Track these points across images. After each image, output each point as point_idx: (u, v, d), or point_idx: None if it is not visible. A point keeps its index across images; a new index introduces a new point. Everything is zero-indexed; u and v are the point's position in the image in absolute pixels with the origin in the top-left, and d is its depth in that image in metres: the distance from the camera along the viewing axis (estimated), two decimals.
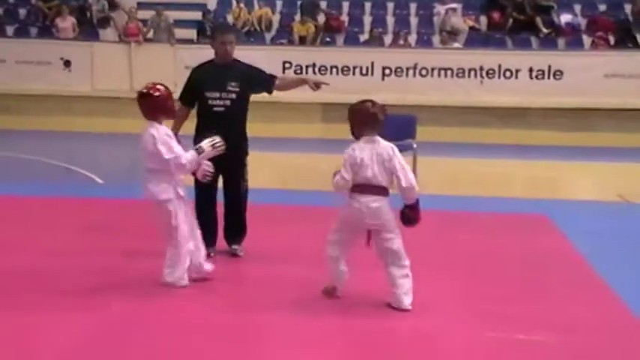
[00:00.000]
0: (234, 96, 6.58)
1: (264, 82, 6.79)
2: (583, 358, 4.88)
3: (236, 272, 6.55)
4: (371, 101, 5.56)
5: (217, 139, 5.82)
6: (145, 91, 5.86)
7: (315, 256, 5.87)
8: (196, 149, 5.81)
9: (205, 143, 5.81)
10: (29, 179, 10.90)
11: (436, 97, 16.11)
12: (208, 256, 6.22)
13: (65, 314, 5.27)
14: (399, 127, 10.79)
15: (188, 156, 5.78)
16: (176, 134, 6.23)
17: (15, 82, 16.91)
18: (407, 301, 5.49)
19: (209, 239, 6.37)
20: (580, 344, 5.04)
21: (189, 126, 6.70)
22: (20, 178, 11.05)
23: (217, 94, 6.53)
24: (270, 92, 6.86)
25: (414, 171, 10.14)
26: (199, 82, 6.65)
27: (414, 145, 10.27)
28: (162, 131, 5.79)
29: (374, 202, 5.46)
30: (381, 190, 5.48)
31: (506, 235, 7.89)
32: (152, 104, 5.80)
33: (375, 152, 5.45)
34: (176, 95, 6.35)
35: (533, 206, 9.33)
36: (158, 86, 5.85)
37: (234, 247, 6.83)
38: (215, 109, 6.53)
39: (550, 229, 8.14)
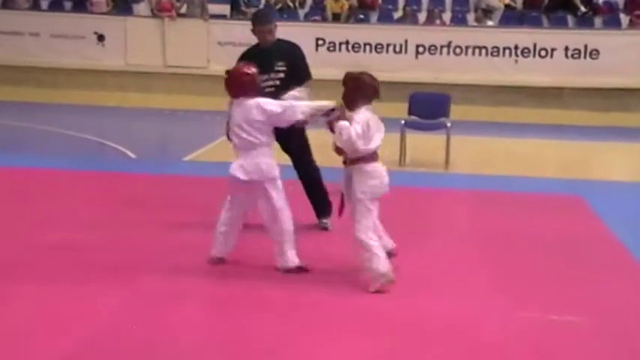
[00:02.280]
0: (282, 75, 6.65)
1: (300, 72, 6.77)
2: (617, 340, 4.81)
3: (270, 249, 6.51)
4: (368, 74, 5.56)
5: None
6: (235, 70, 5.78)
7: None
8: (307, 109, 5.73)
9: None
10: (63, 153, 10.98)
11: (470, 75, 15.98)
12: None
13: (100, 288, 5.29)
14: (432, 105, 10.74)
15: (302, 106, 5.73)
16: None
17: (49, 56, 17.06)
18: None
19: None
20: (614, 326, 4.98)
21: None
22: (54, 151, 11.13)
23: (266, 76, 6.48)
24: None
25: (447, 149, 10.11)
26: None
27: (448, 124, 10.18)
28: (263, 99, 5.72)
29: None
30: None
31: (539, 215, 7.80)
32: (241, 82, 5.71)
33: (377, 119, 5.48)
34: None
35: (567, 187, 9.22)
36: (248, 65, 5.78)
37: (323, 220, 6.95)
38: (266, 89, 6.50)
39: (584, 210, 8.04)
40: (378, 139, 5.42)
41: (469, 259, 6.21)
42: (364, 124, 5.33)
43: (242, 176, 5.66)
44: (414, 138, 10.44)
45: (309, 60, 6.95)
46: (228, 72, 5.78)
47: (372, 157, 5.44)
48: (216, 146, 11.50)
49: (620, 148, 13.01)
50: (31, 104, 15.64)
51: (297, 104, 5.76)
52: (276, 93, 6.46)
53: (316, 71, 7.14)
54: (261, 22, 6.84)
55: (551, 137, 13.58)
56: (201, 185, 8.60)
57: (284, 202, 5.73)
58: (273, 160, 5.74)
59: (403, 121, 10.16)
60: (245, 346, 4.52)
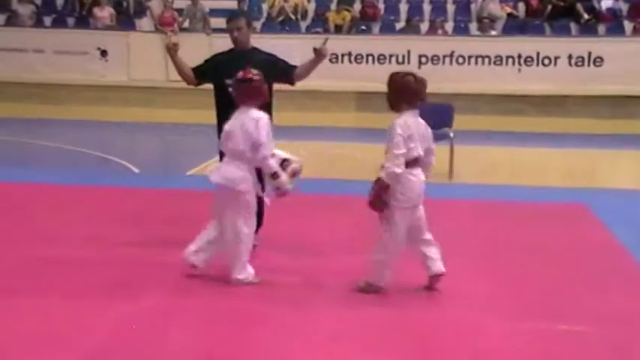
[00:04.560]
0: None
1: (283, 71, 6.68)
2: (625, 348, 4.78)
3: (276, 263, 6.48)
4: (413, 75, 5.54)
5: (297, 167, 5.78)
6: (243, 76, 5.77)
7: (349, 245, 5.81)
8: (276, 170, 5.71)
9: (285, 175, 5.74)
10: (67, 168, 10.98)
11: (473, 85, 15.95)
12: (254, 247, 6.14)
13: (102, 303, 5.27)
14: (435, 115, 10.61)
15: (274, 165, 5.70)
16: None
17: (52, 72, 17.08)
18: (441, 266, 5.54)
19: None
20: (622, 335, 4.94)
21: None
22: (58, 166, 11.14)
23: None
24: (292, 83, 6.75)
25: (451, 160, 10.07)
26: (219, 67, 6.59)
27: (451, 134, 10.16)
28: (266, 119, 5.69)
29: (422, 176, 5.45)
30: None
31: (545, 224, 7.77)
32: (250, 89, 5.72)
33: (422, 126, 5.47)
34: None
35: (572, 195, 9.19)
36: (253, 71, 5.77)
37: None
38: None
39: (589, 218, 8.01)
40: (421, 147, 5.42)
41: (473, 269, 6.18)
42: (404, 134, 5.29)
43: (213, 178, 5.74)
44: None
45: (313, 72, 6.87)
46: (237, 79, 5.77)
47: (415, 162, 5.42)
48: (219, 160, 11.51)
49: (625, 155, 12.99)
50: (35, 120, 15.69)
51: (274, 164, 5.71)
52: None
53: (318, 83, 7.15)
54: (230, 18, 6.78)
55: (555, 146, 13.56)
56: (204, 200, 8.52)
57: (245, 220, 5.69)
58: (248, 175, 5.68)
59: None
60: None
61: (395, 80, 5.49)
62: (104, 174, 10.67)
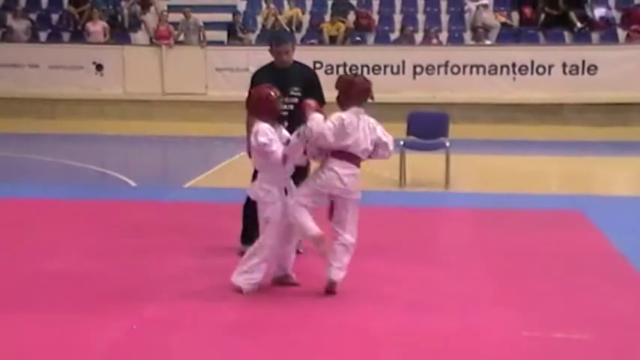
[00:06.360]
0: (296, 100, 6.50)
1: (316, 97, 6.53)
2: (623, 356, 4.79)
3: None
4: (361, 76, 6.02)
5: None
6: (255, 91, 5.91)
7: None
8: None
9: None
10: (63, 182, 10.98)
11: (468, 94, 16.01)
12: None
13: (101, 317, 5.27)
14: (431, 125, 10.74)
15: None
16: None
17: (48, 87, 17.13)
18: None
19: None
20: (619, 342, 4.95)
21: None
22: (55, 181, 11.13)
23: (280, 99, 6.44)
24: None
25: (447, 169, 10.10)
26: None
27: (447, 144, 10.18)
28: (263, 126, 5.73)
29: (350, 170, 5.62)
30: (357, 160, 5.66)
31: (541, 232, 7.78)
32: (259, 104, 5.81)
33: (364, 121, 5.66)
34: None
35: (568, 202, 9.20)
36: (271, 89, 5.85)
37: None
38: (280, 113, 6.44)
39: (586, 226, 8.02)
40: (350, 140, 5.56)
41: (471, 277, 6.19)
42: (339, 121, 5.52)
43: (249, 194, 5.92)
44: (413, 158, 10.43)
45: None
46: (251, 91, 5.88)
47: (341, 155, 5.57)
48: (216, 172, 11.52)
49: (621, 162, 12.99)
50: (31, 135, 15.67)
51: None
52: (289, 118, 6.34)
53: None
54: (278, 43, 6.80)
55: (551, 153, 13.58)
56: (202, 211, 8.59)
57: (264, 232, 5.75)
58: (266, 187, 5.73)
59: (402, 142, 10.14)
60: None
61: (343, 80, 5.84)
62: (101, 188, 10.67)
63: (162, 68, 17.05)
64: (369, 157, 5.75)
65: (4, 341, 4.86)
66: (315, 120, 5.53)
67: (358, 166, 5.68)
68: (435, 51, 17.00)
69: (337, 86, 5.76)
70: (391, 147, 5.77)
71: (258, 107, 5.83)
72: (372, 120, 5.73)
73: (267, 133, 5.66)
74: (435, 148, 10.45)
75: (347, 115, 5.59)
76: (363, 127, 5.64)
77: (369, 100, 5.73)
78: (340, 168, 5.59)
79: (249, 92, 6.03)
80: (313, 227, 5.60)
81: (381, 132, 5.73)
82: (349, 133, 5.57)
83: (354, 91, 5.69)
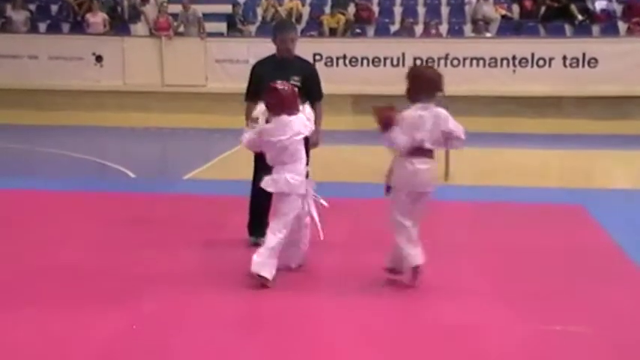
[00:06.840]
0: (296, 90, 6.50)
1: (314, 91, 6.74)
2: (621, 349, 4.78)
3: None
4: (432, 68, 5.79)
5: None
6: (274, 86, 5.87)
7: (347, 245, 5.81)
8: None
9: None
10: (63, 174, 10.97)
11: (468, 87, 15.96)
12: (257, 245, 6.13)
13: (101, 310, 5.24)
14: None
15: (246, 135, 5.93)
16: None
17: (48, 78, 17.08)
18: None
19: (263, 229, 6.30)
20: (618, 335, 4.94)
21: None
22: (54, 173, 11.13)
23: None
24: (311, 105, 6.74)
25: (447, 162, 10.08)
26: (263, 76, 6.54)
27: None
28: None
29: (425, 164, 5.55)
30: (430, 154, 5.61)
31: (541, 225, 7.77)
32: (278, 99, 5.80)
33: (432, 116, 5.56)
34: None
35: (568, 196, 9.20)
36: (284, 85, 5.88)
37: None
38: None
39: (586, 219, 8.01)
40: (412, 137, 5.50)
41: (471, 270, 6.19)
42: (403, 123, 5.48)
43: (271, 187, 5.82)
44: None
45: None
46: (270, 87, 5.86)
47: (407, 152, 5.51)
48: (215, 164, 11.52)
49: (621, 155, 13.00)
50: (30, 127, 15.67)
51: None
52: None
53: None
54: (283, 30, 6.80)
55: (551, 147, 13.58)
56: (201, 203, 8.59)
57: (282, 218, 5.71)
58: (298, 177, 5.78)
59: None
60: None
61: (413, 73, 5.71)
62: (101, 179, 10.66)
63: (162, 60, 17.00)
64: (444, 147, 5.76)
65: (2, 337, 4.84)
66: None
67: (432, 158, 5.64)
68: (435, 43, 16.96)
69: (407, 77, 5.67)
70: (463, 137, 5.73)
71: (276, 104, 5.79)
72: (443, 111, 5.64)
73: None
74: None
75: (416, 114, 5.52)
76: (432, 121, 5.55)
77: (439, 94, 5.63)
78: (419, 164, 5.55)
79: (271, 88, 5.92)
80: (418, 256, 5.60)
81: (453, 125, 5.67)
82: (418, 127, 5.50)
83: (423, 85, 5.59)
